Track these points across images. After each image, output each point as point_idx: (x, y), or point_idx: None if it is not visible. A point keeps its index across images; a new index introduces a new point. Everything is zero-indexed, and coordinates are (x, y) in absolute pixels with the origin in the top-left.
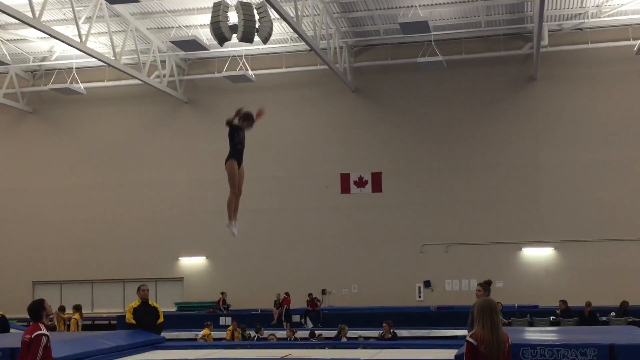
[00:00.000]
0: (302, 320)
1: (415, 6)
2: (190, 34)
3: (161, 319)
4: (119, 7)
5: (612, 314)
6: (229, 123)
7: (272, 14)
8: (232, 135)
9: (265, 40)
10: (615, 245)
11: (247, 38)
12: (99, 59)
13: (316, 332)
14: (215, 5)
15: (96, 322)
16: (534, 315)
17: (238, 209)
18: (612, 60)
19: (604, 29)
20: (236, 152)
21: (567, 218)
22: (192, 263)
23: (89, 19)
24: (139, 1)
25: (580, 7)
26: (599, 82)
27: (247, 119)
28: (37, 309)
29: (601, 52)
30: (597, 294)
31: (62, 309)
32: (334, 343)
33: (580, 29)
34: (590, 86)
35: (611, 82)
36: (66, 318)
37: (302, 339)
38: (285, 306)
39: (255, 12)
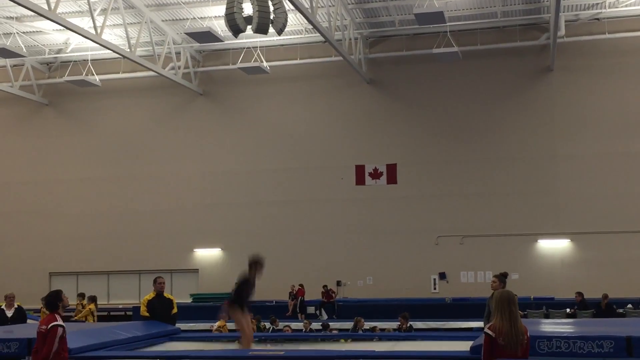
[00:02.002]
0: (317, 312)
1: None
2: (205, 26)
3: (175, 310)
4: None
5: (629, 306)
6: (256, 261)
7: (287, 5)
8: (242, 289)
9: (280, 31)
10: (632, 237)
11: (261, 29)
12: (114, 51)
13: (329, 324)
14: None
15: (112, 313)
16: (550, 307)
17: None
18: (630, 50)
19: (622, 19)
20: (241, 301)
21: (583, 210)
22: (208, 254)
23: (104, 11)
24: None
25: None
26: (616, 72)
27: (260, 267)
28: (54, 300)
29: (619, 42)
30: (613, 286)
31: (81, 295)
32: (350, 335)
33: (598, 19)
34: (608, 77)
35: (629, 73)
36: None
37: (317, 330)
38: (300, 297)
39: (270, 3)
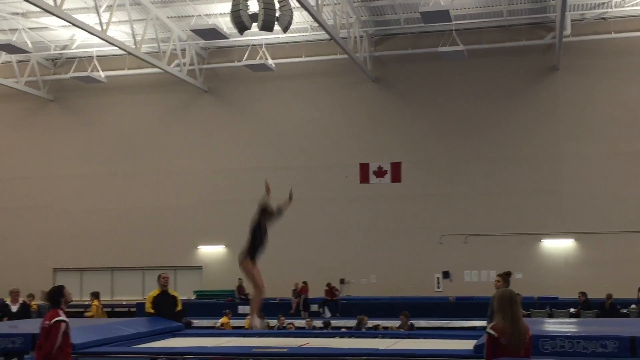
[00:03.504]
0: (321, 310)
1: None
2: (210, 23)
3: (179, 307)
4: None
5: (633, 306)
6: (264, 208)
7: (293, 2)
8: (255, 232)
9: (285, 29)
10: (636, 237)
11: (267, 27)
12: (119, 48)
13: (331, 322)
14: None
15: (116, 309)
16: (554, 306)
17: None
18: (635, 50)
19: (628, 19)
20: (255, 250)
21: (587, 209)
22: (211, 251)
23: (110, 7)
24: None
25: None
26: (621, 72)
27: (278, 212)
28: (56, 295)
29: (624, 42)
30: (617, 286)
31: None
32: (353, 333)
33: (604, 18)
34: (613, 76)
35: (634, 73)
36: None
37: (320, 328)
38: (303, 295)
39: (275, 0)
